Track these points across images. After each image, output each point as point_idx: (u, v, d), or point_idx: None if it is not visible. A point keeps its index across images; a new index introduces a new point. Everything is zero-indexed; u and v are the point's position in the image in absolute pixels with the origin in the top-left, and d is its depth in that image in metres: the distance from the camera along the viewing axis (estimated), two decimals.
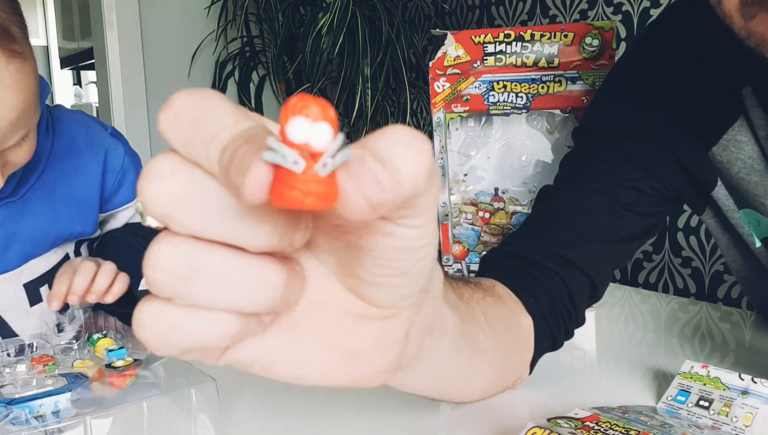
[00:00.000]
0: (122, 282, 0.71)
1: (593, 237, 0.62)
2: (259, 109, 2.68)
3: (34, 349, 0.61)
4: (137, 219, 0.86)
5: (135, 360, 0.57)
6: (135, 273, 0.75)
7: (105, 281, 0.71)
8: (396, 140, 0.21)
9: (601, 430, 0.47)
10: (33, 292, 0.77)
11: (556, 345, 0.60)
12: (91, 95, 4.44)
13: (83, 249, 0.85)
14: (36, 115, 0.66)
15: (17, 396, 0.47)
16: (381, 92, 2.35)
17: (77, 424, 0.45)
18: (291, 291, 0.25)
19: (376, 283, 0.26)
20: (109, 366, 0.55)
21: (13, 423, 0.44)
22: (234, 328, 0.24)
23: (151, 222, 0.23)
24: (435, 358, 0.37)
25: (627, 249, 0.67)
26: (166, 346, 0.24)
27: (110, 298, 0.68)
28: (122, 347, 0.58)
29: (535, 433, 0.46)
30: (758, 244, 0.69)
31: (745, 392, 0.54)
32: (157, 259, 0.22)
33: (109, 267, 0.73)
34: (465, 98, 0.89)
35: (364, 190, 0.21)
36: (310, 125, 0.20)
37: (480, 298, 0.50)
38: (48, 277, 0.78)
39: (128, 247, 0.80)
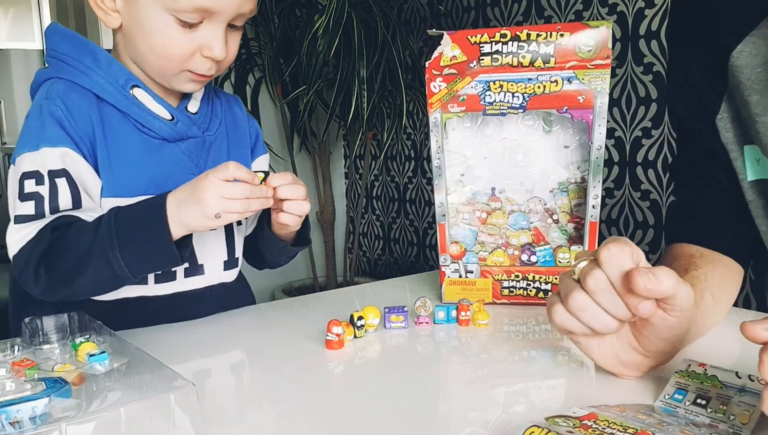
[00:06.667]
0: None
1: (716, 209, 0.84)
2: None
3: (16, 352, 0.60)
4: None
5: (117, 366, 0.56)
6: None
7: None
8: (664, 271, 0.55)
9: (599, 428, 0.47)
10: None
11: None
12: None
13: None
14: (253, 11, 0.86)
15: None
16: (377, 94, 2.36)
17: (53, 430, 0.44)
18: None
19: (648, 341, 0.60)
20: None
21: None
22: (587, 330, 0.59)
23: None
24: (702, 320, 0.70)
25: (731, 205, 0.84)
26: (560, 328, 0.60)
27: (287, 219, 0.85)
28: (104, 352, 0.57)
29: (533, 432, 0.46)
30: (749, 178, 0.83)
31: (742, 390, 0.54)
32: (574, 301, 0.58)
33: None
34: (461, 98, 0.89)
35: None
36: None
37: (709, 267, 0.78)
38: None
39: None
